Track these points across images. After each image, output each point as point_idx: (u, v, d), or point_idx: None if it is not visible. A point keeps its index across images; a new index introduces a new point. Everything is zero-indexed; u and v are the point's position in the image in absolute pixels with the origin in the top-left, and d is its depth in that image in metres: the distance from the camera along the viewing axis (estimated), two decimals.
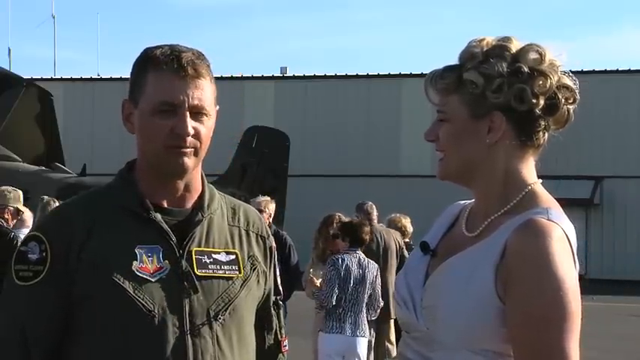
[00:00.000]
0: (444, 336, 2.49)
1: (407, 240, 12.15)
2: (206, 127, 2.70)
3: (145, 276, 2.65)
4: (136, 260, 2.66)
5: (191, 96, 2.67)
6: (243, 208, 2.89)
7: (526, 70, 2.50)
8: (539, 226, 2.44)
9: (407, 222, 12.36)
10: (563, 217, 2.51)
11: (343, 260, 9.48)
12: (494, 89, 2.50)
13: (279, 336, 2.95)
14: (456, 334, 2.47)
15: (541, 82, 2.50)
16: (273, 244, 2.93)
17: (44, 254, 2.66)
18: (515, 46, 2.54)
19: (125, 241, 2.68)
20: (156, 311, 2.64)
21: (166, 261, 2.69)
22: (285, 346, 2.98)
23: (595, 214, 32.52)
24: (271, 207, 10.97)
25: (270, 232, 2.95)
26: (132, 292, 2.63)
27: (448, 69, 2.57)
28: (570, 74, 2.56)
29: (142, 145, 2.73)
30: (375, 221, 11.74)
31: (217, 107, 2.75)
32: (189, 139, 2.66)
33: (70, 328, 2.67)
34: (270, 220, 10.86)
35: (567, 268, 2.42)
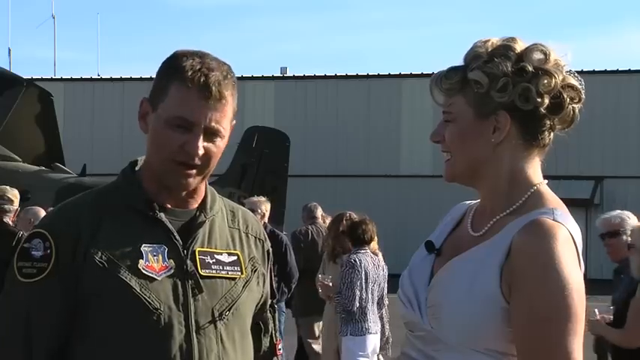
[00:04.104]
0: (448, 335, 2.50)
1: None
2: (217, 148, 2.70)
3: (151, 274, 2.66)
4: (142, 259, 2.67)
5: (210, 118, 2.66)
6: (242, 211, 2.93)
7: (531, 69, 2.51)
8: (544, 227, 2.44)
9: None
10: (569, 217, 2.51)
11: (361, 262, 9.44)
12: (499, 88, 2.51)
13: (274, 339, 2.99)
14: (460, 334, 2.48)
15: (546, 81, 2.51)
16: (270, 247, 2.95)
17: (49, 251, 2.66)
18: (519, 46, 2.55)
19: (131, 239, 2.68)
20: (162, 309, 2.65)
21: (171, 260, 2.70)
22: (280, 349, 3.00)
23: (595, 214, 32.40)
24: (264, 207, 10.99)
25: (266, 235, 2.97)
26: (138, 290, 2.64)
27: (453, 69, 2.57)
28: (575, 74, 2.57)
29: (151, 151, 2.73)
30: (320, 220, 11.86)
31: (234, 122, 2.76)
32: (197, 158, 2.67)
33: (75, 326, 2.66)
34: (266, 220, 10.88)
35: (572, 269, 2.43)
